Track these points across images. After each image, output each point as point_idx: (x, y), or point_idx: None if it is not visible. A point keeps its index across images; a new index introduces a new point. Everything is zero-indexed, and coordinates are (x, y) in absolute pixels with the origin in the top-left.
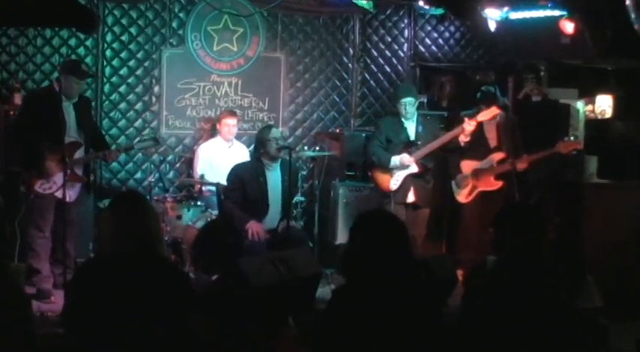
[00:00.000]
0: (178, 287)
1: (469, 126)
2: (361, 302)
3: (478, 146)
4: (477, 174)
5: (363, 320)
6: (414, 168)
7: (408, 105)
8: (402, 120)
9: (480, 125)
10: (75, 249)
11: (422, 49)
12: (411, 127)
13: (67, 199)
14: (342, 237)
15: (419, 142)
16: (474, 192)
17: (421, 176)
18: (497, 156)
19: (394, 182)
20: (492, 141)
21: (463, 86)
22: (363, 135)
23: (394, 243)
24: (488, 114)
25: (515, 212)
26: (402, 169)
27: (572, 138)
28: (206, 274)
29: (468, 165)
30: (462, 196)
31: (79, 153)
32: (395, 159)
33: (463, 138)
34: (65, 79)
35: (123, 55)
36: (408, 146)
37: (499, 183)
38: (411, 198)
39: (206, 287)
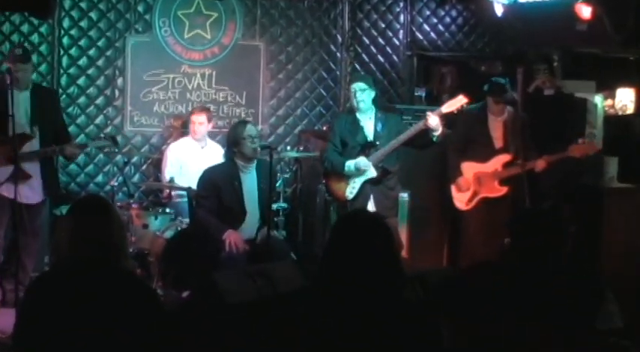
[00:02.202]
0: (144, 303)
1: (432, 119)
2: (330, 308)
3: (482, 146)
4: (479, 178)
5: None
6: (372, 173)
7: (359, 92)
8: (358, 117)
9: (485, 122)
10: (34, 263)
11: (420, 36)
12: (368, 126)
13: (18, 199)
14: None
15: (377, 143)
16: (475, 198)
17: (382, 182)
18: (503, 158)
19: (350, 190)
20: (498, 142)
21: (466, 78)
22: None
23: (375, 248)
24: (454, 104)
25: (528, 214)
26: (359, 175)
27: (587, 138)
28: (176, 290)
29: (469, 168)
30: (462, 203)
31: (28, 147)
32: (350, 164)
33: (437, 138)
34: (6, 66)
35: (82, 43)
36: (366, 148)
37: (504, 189)
38: (370, 207)
39: (176, 304)
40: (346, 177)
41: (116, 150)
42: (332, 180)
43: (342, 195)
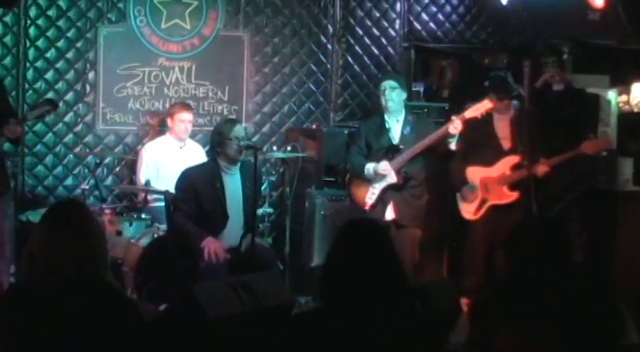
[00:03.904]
0: (127, 319)
1: (454, 128)
2: (333, 333)
3: (488, 149)
4: (485, 184)
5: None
6: (392, 179)
7: (388, 90)
8: (386, 119)
9: (489, 122)
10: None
11: (418, 26)
12: (395, 129)
13: None
14: (318, 257)
15: (402, 146)
16: (483, 206)
17: (404, 188)
18: (511, 160)
19: (370, 195)
20: (505, 142)
21: (468, 72)
22: (346, 132)
23: (377, 261)
24: (479, 109)
25: (528, 227)
26: (379, 180)
27: (600, 132)
28: (152, 303)
29: (474, 173)
30: (470, 213)
31: None
32: (369, 167)
33: (453, 145)
34: None
35: (50, 33)
36: (390, 151)
37: (514, 195)
38: (389, 215)
39: (152, 318)
40: (368, 182)
41: (87, 150)
42: (354, 184)
43: (362, 201)
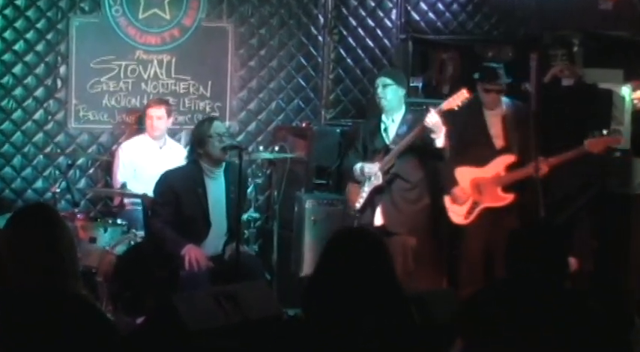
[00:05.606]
0: (99, 335)
1: (431, 117)
2: (322, 344)
3: (479, 147)
4: (477, 185)
5: None
6: (377, 180)
7: (380, 88)
8: (383, 119)
9: (481, 119)
10: None
11: (416, 16)
12: (392, 129)
13: None
14: (309, 266)
15: (392, 147)
16: (475, 209)
17: (394, 191)
18: (505, 160)
19: (359, 199)
20: (498, 141)
21: (470, 66)
22: (338, 130)
23: (372, 272)
24: (456, 99)
25: (522, 235)
26: (367, 181)
27: (604, 131)
28: (129, 315)
29: (464, 174)
30: (460, 216)
31: None
32: (357, 167)
33: (439, 142)
34: None
35: (18, 24)
36: (382, 152)
37: (509, 197)
38: (377, 220)
39: (129, 332)
40: (361, 185)
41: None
42: (349, 186)
43: (352, 205)
